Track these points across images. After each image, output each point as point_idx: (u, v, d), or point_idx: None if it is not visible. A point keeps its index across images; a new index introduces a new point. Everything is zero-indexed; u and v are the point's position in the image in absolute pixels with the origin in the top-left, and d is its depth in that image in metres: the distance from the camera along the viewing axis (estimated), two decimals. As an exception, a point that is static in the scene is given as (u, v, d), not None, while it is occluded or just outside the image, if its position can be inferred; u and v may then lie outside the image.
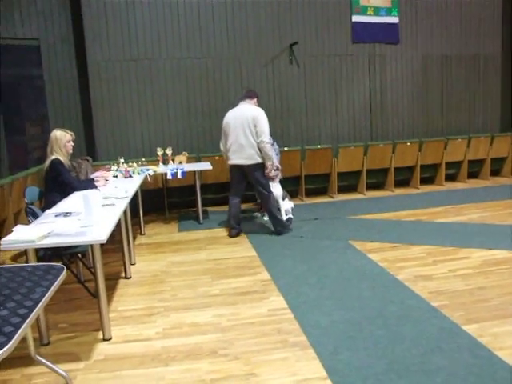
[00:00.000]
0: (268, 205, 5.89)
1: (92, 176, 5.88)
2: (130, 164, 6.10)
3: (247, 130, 5.63)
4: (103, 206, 3.95)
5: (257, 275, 4.57)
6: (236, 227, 5.98)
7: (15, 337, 1.50)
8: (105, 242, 2.99)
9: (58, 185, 4.75)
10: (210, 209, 7.46)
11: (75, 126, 7.17)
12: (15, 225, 6.02)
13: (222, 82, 7.85)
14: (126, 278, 4.60)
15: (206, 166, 6.72)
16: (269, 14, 7.88)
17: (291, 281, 4.40)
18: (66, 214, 3.68)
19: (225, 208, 7.67)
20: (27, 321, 1.61)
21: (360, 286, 4.22)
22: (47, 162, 4.76)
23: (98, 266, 3.17)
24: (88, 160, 6.79)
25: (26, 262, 3.06)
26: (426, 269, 4.58)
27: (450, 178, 8.97)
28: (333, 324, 3.50)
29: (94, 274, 3.21)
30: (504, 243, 5.21)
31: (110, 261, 5.18)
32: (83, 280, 4.39)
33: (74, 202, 4.27)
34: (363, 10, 8.24)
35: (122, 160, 6.43)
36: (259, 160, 5.70)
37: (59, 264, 2.21)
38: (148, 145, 7.62)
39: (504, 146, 9.12)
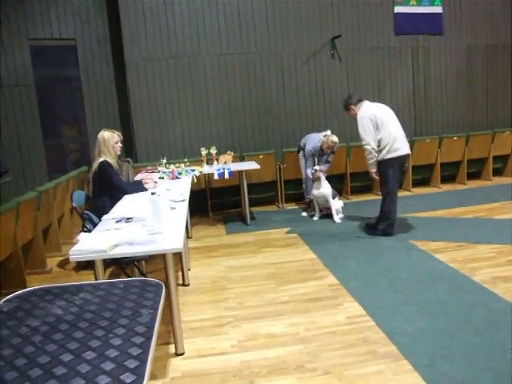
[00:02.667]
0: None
1: (137, 178, 5.69)
2: (177, 165, 5.88)
3: (396, 121, 5.49)
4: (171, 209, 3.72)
5: (323, 279, 4.31)
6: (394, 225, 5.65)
7: (146, 375, 1.27)
8: (181, 250, 2.76)
9: (108, 188, 4.53)
10: (253, 209, 7.20)
11: (113, 127, 6.96)
12: (59, 229, 5.92)
13: (263, 77, 7.61)
14: (184, 285, 4.37)
15: (252, 165, 6.47)
16: (309, 7, 7.62)
17: (361, 285, 4.13)
18: (128, 220, 3.46)
19: (270, 208, 7.47)
20: (150, 354, 1.37)
21: (436, 289, 3.95)
22: (95, 165, 4.55)
23: (171, 275, 2.94)
24: (129, 162, 6.61)
25: (94, 274, 2.86)
26: (501, 269, 4.28)
27: (497, 172, 8.60)
28: (420, 332, 3.23)
29: (167, 284, 2.97)
30: None
31: (161, 267, 4.93)
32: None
33: (129, 205, 4.05)
34: (406, 1, 7.93)
35: (164, 161, 6.23)
36: None
37: (154, 279, 1.98)
38: (189, 145, 7.41)
39: (553, 139, 8.72)
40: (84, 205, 4.76)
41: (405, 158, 5.50)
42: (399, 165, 5.45)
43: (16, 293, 1.87)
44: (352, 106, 5.56)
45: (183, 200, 4.13)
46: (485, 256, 4.66)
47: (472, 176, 8.44)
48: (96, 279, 2.78)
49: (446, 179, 8.27)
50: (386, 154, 5.32)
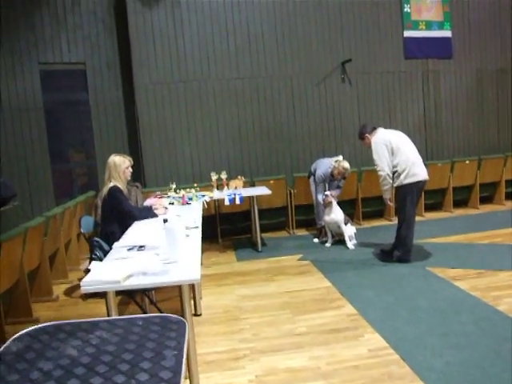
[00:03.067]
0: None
1: (146, 203, 5.57)
2: (188, 190, 5.77)
3: (412, 146, 5.41)
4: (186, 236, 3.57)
5: (341, 309, 4.14)
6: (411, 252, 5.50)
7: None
8: (199, 281, 2.63)
9: (117, 214, 4.41)
10: (264, 235, 7.04)
11: (121, 151, 6.89)
12: (66, 255, 5.78)
13: (273, 102, 7.55)
14: (196, 315, 4.20)
15: (263, 190, 6.35)
16: (320, 30, 7.62)
17: (381, 314, 3.96)
18: (141, 248, 3.32)
19: (280, 234, 7.33)
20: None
21: (460, 319, 3.77)
22: (105, 190, 4.43)
23: (187, 307, 2.78)
24: (137, 186, 6.51)
25: (106, 307, 2.71)
26: (526, 299, 4.11)
27: (509, 196, 8.44)
28: (448, 366, 3.05)
29: (183, 316, 2.82)
30: None
31: (171, 295, 4.76)
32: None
33: (141, 232, 3.92)
34: (415, 25, 7.92)
35: (173, 186, 6.13)
36: None
37: (175, 316, 1.83)
38: (198, 169, 7.31)
39: None
40: (92, 231, 4.64)
41: (423, 183, 5.38)
42: (417, 190, 5.33)
43: (25, 330, 1.72)
44: (367, 135, 5.47)
45: (196, 227, 3.99)
46: (507, 284, 4.48)
47: (484, 200, 8.29)
48: (108, 312, 2.63)
49: (458, 204, 8.13)
50: (405, 179, 5.21)
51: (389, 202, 5.54)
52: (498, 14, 8.44)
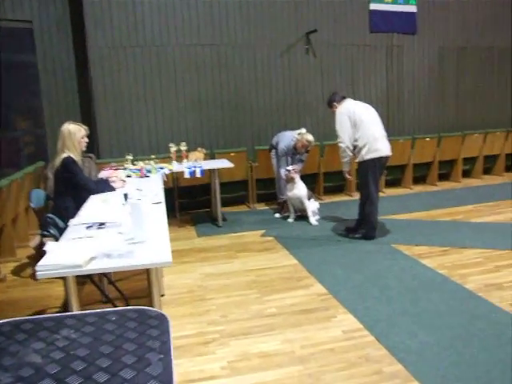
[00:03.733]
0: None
1: (101, 176, 5.21)
2: (147, 162, 5.43)
3: (378, 121, 5.26)
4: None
5: (310, 288, 4.01)
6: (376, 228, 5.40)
7: None
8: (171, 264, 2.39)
9: (72, 187, 4.06)
10: (223, 209, 6.80)
11: (73, 120, 6.42)
12: (14, 231, 5.35)
13: (235, 71, 7.22)
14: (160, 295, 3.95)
15: (225, 163, 6.09)
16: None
17: (352, 294, 3.86)
18: (101, 226, 3.03)
19: (241, 208, 7.13)
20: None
21: (430, 298, 3.74)
22: (58, 161, 4.06)
23: (155, 292, 2.56)
24: (91, 157, 6.11)
25: (65, 291, 2.43)
26: (491, 276, 4.14)
27: (465, 174, 8.60)
28: (424, 347, 2.99)
29: (151, 300, 2.58)
30: None
31: (128, 274, 4.47)
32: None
33: (99, 208, 3.61)
34: (381, -3, 7.77)
35: (130, 157, 5.76)
36: None
37: (153, 309, 1.59)
38: (156, 140, 6.93)
39: (518, 142, 8.82)
40: (43, 205, 4.28)
41: (385, 159, 5.28)
42: (379, 166, 5.22)
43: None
44: (335, 103, 5.32)
45: (159, 202, 3.72)
46: (472, 262, 4.50)
47: (442, 177, 8.40)
48: (68, 302, 2.36)
49: (416, 180, 8.19)
50: (366, 155, 5.08)
51: (347, 176, 5.45)
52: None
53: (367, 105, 5.36)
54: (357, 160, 5.22)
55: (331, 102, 5.36)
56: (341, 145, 5.15)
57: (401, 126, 8.34)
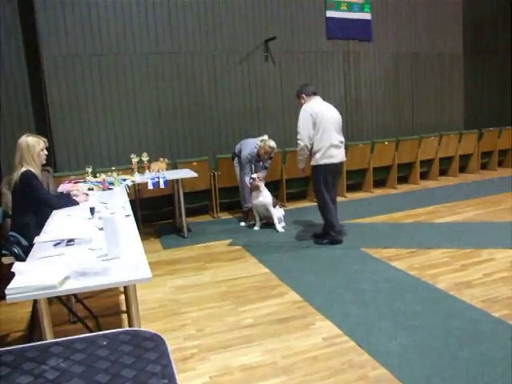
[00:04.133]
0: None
1: (60, 190, 5.00)
2: (109, 174, 5.25)
3: (339, 126, 5.25)
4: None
5: (284, 296, 3.96)
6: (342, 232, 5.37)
7: None
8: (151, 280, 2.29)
9: (32, 203, 3.86)
10: (188, 220, 6.65)
11: (27, 132, 6.14)
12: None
13: (194, 79, 7.11)
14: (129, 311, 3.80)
15: (188, 173, 5.97)
16: (243, 7, 7.28)
17: (327, 300, 3.84)
18: (69, 242, 2.87)
19: (204, 218, 7.01)
20: None
21: (404, 299, 3.78)
22: (16, 176, 3.85)
23: (134, 309, 2.44)
24: (49, 171, 5.85)
25: (36, 314, 2.28)
26: (460, 275, 4.24)
27: (422, 176, 8.83)
28: (405, 349, 3.00)
29: (129, 318, 2.47)
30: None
31: (95, 291, 4.26)
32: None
33: (64, 223, 3.43)
34: (337, 6, 7.89)
35: (89, 170, 5.56)
36: None
37: (147, 330, 1.50)
38: (115, 151, 6.72)
39: (470, 143, 9.16)
40: (1, 223, 4.06)
41: (340, 165, 5.29)
42: (334, 172, 5.22)
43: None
44: (303, 95, 5.25)
45: (128, 215, 3.59)
46: (440, 262, 4.59)
47: (401, 180, 8.58)
48: (40, 326, 2.20)
49: (376, 184, 8.32)
50: (320, 160, 5.09)
51: (301, 172, 5.46)
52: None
53: (333, 108, 5.32)
54: (311, 163, 5.22)
55: (300, 93, 5.30)
56: (299, 142, 5.13)
57: (360, 131, 8.48)
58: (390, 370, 2.78)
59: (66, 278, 2.19)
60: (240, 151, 6.41)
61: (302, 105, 5.26)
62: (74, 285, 2.16)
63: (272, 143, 6.25)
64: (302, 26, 7.73)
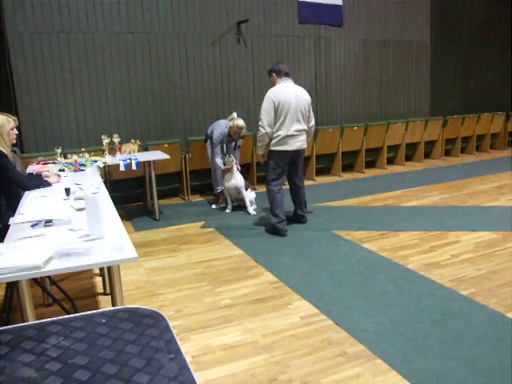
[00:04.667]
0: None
1: (29, 171, 4.87)
2: (81, 155, 5.14)
3: (303, 112, 5.09)
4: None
5: (260, 277, 4.01)
6: (285, 219, 5.21)
7: None
8: (138, 259, 2.28)
9: (3, 184, 3.76)
10: (159, 202, 6.59)
11: (-10, 112, 5.93)
12: None
13: (166, 60, 6.98)
14: (105, 294, 3.77)
15: (161, 155, 5.92)
16: (216, -13, 7.18)
17: (303, 280, 3.91)
18: (47, 223, 2.82)
19: (175, 201, 6.97)
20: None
21: (377, 279, 3.89)
22: (-15, 156, 3.74)
23: (117, 290, 2.43)
24: (16, 152, 5.65)
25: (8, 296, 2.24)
26: (429, 256, 4.39)
27: (389, 161, 9.02)
28: (381, 326, 3.11)
29: (112, 299, 2.46)
30: (482, 224, 5.25)
31: (69, 274, 4.22)
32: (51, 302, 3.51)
33: (40, 204, 3.36)
34: (309, -11, 7.88)
35: (59, 151, 5.42)
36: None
37: (145, 308, 1.50)
38: (85, 132, 6.56)
39: (435, 130, 9.40)
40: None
41: (294, 152, 5.14)
42: (284, 158, 5.12)
43: None
44: (274, 74, 5.11)
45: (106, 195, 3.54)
46: (409, 243, 4.74)
47: (368, 165, 8.74)
48: (22, 307, 2.16)
49: (345, 168, 8.46)
50: (273, 146, 5.05)
51: (261, 158, 5.37)
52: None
53: (303, 91, 5.16)
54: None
55: (270, 72, 5.16)
56: (260, 129, 5.02)
57: (329, 116, 8.57)
58: (368, 346, 2.87)
59: (50, 259, 2.16)
60: (212, 132, 6.38)
61: (271, 84, 5.17)
62: (59, 265, 2.12)
63: (240, 122, 6.20)
64: (275, 10, 7.70)
